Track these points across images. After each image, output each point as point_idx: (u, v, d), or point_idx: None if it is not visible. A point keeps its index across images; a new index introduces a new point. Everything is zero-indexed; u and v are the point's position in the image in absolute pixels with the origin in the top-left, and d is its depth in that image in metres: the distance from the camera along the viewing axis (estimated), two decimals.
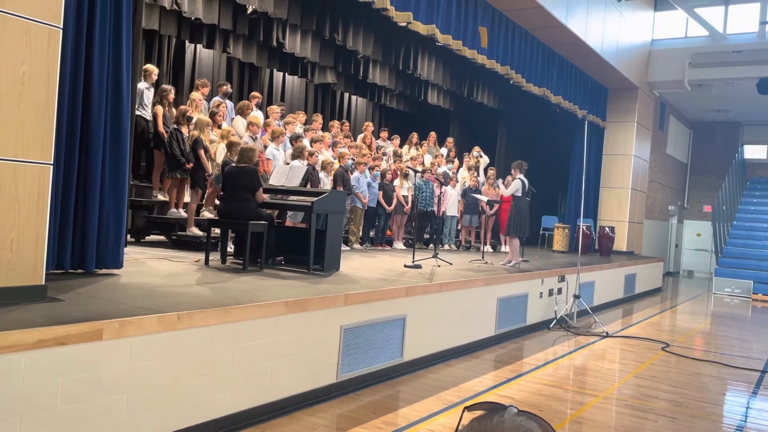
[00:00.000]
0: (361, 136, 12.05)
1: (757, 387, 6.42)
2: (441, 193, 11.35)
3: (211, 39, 10.20)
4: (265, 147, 8.85)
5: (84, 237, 4.84)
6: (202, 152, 7.81)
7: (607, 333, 8.64)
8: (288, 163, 8.29)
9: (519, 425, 1.01)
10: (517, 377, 6.07)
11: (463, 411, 1.07)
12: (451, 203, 11.87)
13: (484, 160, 13.55)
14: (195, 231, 7.86)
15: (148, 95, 8.51)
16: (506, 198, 10.51)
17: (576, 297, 9.12)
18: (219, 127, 8.66)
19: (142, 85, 8.15)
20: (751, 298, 15.64)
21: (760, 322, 11.99)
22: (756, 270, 16.40)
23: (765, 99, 15.82)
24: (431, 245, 11.22)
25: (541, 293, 8.78)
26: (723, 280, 16.31)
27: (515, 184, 9.11)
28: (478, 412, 1.04)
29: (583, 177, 9.77)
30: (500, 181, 12.61)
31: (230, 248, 7.00)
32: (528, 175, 9.38)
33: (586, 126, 10.03)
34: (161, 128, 8.34)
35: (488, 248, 12.18)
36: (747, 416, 5.39)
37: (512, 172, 9.40)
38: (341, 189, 9.00)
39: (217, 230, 6.92)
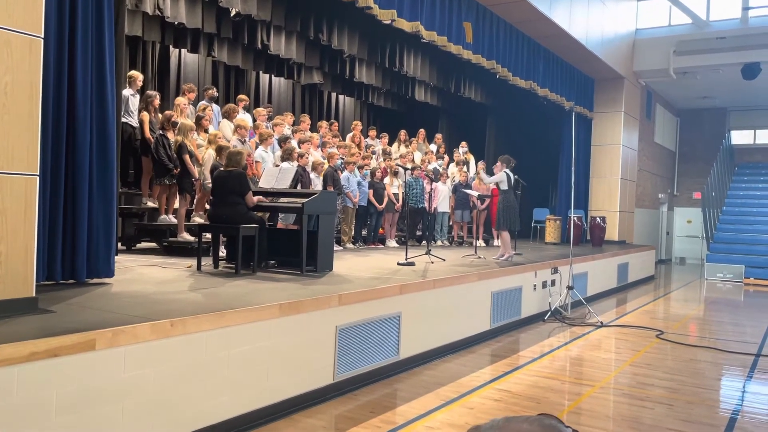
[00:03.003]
0: (349, 135, 12.04)
1: (751, 371, 6.46)
2: (431, 189, 11.35)
3: (196, 43, 10.15)
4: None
5: (74, 247, 4.80)
6: (187, 157, 7.76)
7: (601, 323, 8.68)
8: (277, 165, 8.27)
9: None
10: (513, 370, 6.09)
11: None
12: (442, 199, 11.88)
13: (471, 158, 13.59)
14: (186, 237, 7.83)
15: (134, 102, 8.46)
16: (494, 190, 10.52)
17: (570, 288, 9.14)
18: (206, 131, 8.63)
19: (127, 91, 8.10)
20: (743, 282, 15.74)
21: (753, 306, 12.08)
22: (747, 254, 16.51)
23: (750, 84, 15.91)
24: (424, 242, 11.22)
25: (535, 286, 8.80)
26: (715, 266, 16.40)
27: (500, 176, 9.12)
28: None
29: (573, 168, 9.79)
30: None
31: (222, 252, 6.97)
32: (516, 170, 9.38)
33: (573, 117, 10.05)
34: (148, 134, 8.30)
35: (481, 243, 12.20)
36: (743, 400, 5.42)
37: (497, 165, 9.40)
38: (331, 189, 8.99)
39: (209, 235, 6.89)
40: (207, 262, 6.65)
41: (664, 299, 12.31)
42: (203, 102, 9.66)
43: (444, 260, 8.41)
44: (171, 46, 10.61)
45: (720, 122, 21.72)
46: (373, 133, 13.12)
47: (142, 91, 8.78)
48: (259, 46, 10.25)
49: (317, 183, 9.13)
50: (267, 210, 7.32)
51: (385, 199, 10.62)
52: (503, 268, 8.07)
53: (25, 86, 3.85)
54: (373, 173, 10.60)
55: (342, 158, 10.18)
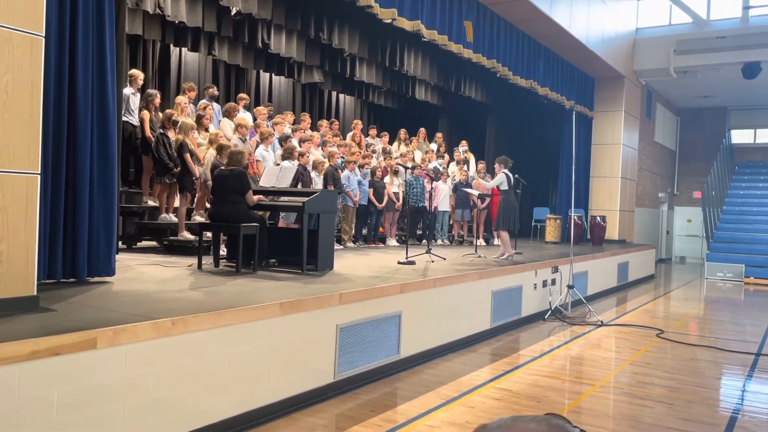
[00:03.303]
0: (350, 134, 12.04)
1: (752, 370, 6.46)
2: (432, 188, 11.36)
3: (196, 42, 10.14)
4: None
5: (75, 245, 4.80)
6: (187, 156, 7.76)
7: (601, 322, 8.68)
8: (278, 164, 8.27)
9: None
10: (514, 369, 6.09)
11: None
12: (442, 198, 11.89)
13: (471, 157, 13.60)
14: (186, 235, 7.83)
15: (134, 100, 8.46)
16: (494, 189, 10.52)
17: (570, 287, 9.14)
18: (206, 130, 8.63)
19: (127, 90, 8.10)
20: (743, 281, 15.74)
21: (753, 306, 12.08)
22: (747, 254, 16.50)
23: (750, 84, 15.91)
24: (424, 241, 11.22)
25: (535, 285, 8.81)
26: (715, 265, 16.39)
27: (499, 177, 9.14)
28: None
29: (573, 167, 9.79)
30: (488, 176, 12.61)
31: (223, 251, 6.97)
32: (515, 169, 9.38)
33: (574, 117, 10.06)
34: (148, 133, 8.30)
35: (481, 242, 12.21)
36: (743, 399, 5.43)
37: (495, 167, 9.41)
38: (332, 188, 8.99)
39: (209, 234, 6.89)
40: (207, 260, 6.65)
41: (664, 298, 12.31)
42: (204, 101, 9.66)
43: (444, 259, 8.41)
44: (171, 45, 10.61)
45: (720, 121, 21.71)
46: (373, 131, 13.11)
47: (142, 89, 8.77)
48: (260, 44, 10.24)
49: (318, 182, 9.13)
50: (268, 209, 7.32)
51: (386, 198, 10.62)
52: (503, 267, 8.07)
53: (26, 85, 3.85)
54: (373, 172, 10.60)
55: (342, 157, 10.18)
